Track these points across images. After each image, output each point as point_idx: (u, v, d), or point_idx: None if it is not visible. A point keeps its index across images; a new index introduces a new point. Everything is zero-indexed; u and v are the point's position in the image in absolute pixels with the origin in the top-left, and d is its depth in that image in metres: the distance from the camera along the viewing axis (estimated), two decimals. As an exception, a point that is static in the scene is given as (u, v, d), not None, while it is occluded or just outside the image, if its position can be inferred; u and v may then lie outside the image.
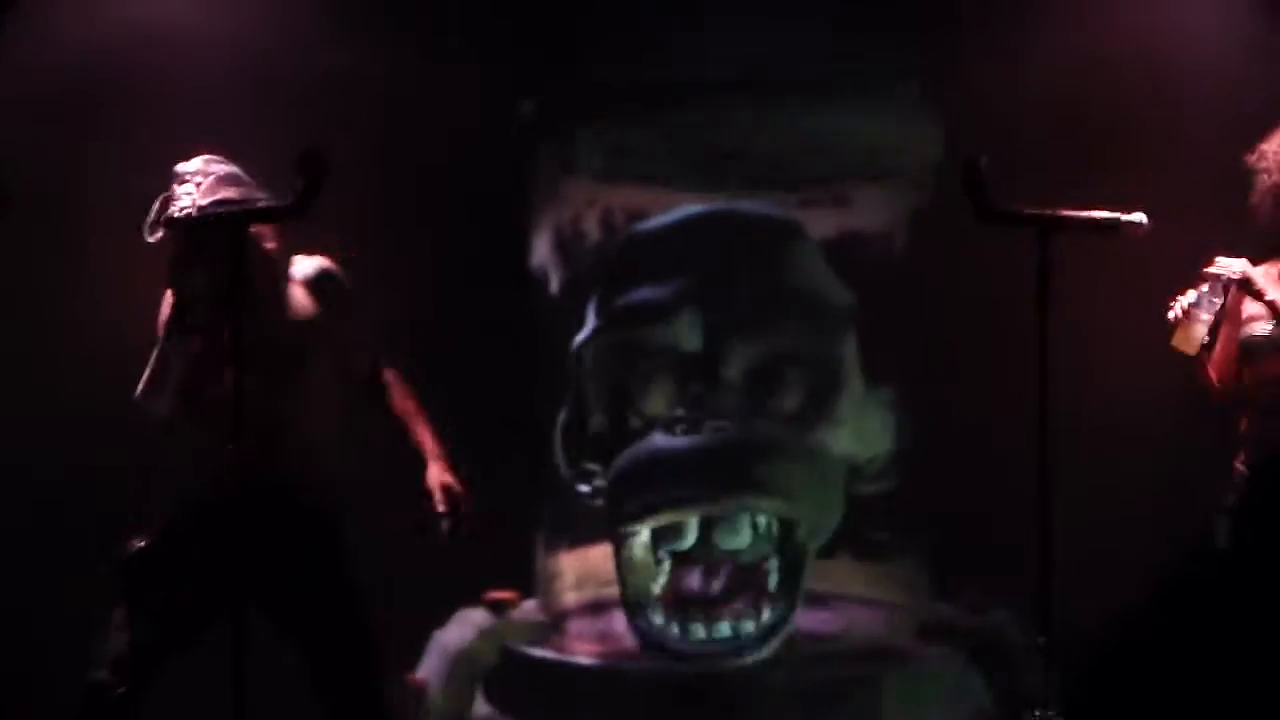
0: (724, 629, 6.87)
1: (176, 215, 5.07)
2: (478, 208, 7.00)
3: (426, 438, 5.52)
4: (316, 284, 5.45)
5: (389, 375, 5.56)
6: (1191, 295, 5.50)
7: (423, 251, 6.75)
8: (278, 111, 6.35)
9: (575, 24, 7.15)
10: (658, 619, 6.91)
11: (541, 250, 7.33)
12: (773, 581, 6.90)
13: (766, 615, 6.87)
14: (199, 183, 5.25)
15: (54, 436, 6.53)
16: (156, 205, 5.25)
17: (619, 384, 7.09)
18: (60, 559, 6.31)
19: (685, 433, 6.92)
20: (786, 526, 6.92)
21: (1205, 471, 5.55)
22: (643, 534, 6.95)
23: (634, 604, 6.98)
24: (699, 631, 6.89)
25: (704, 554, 6.93)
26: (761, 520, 6.89)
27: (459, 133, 6.89)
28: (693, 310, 6.99)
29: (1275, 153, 5.52)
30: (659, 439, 6.96)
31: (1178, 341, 5.51)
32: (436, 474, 5.43)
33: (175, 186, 5.26)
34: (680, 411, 6.98)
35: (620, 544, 7.02)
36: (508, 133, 7.18)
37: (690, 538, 6.87)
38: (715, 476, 6.92)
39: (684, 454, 6.90)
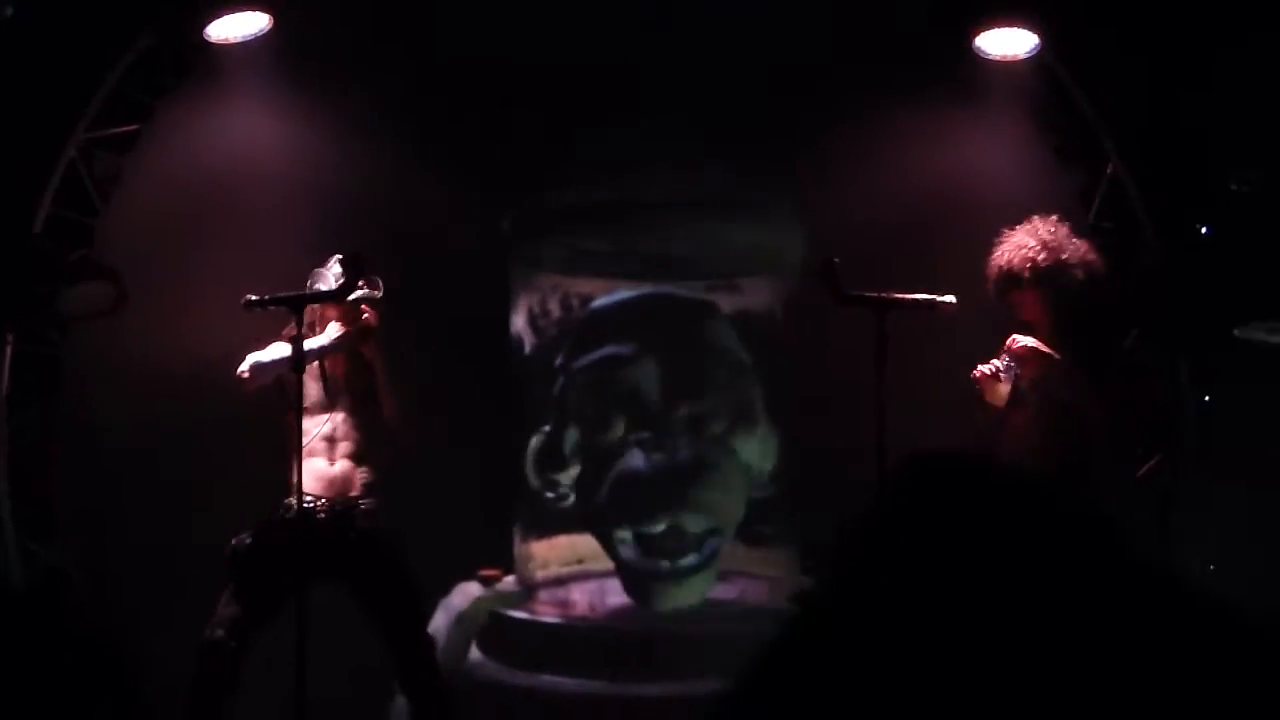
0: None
1: (253, 299, 5.99)
2: (472, 293, 7.90)
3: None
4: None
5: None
6: (997, 363, 6.00)
7: (429, 324, 7.46)
8: (328, 223, 7.27)
9: (542, 162, 7.98)
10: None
11: (518, 323, 8.24)
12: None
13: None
14: (313, 276, 6.37)
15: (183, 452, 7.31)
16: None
17: (587, 417, 7.98)
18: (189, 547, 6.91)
19: (654, 449, 7.86)
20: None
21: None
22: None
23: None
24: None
25: (671, 535, 7.95)
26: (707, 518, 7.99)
27: (456, 239, 7.78)
28: (646, 362, 7.91)
29: (992, 264, 6.19)
30: (636, 457, 7.90)
31: (989, 396, 6.02)
32: None
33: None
34: (646, 435, 7.88)
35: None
36: (494, 240, 8.05)
37: (660, 527, 7.96)
38: (677, 494, 7.90)
39: (655, 477, 7.86)
